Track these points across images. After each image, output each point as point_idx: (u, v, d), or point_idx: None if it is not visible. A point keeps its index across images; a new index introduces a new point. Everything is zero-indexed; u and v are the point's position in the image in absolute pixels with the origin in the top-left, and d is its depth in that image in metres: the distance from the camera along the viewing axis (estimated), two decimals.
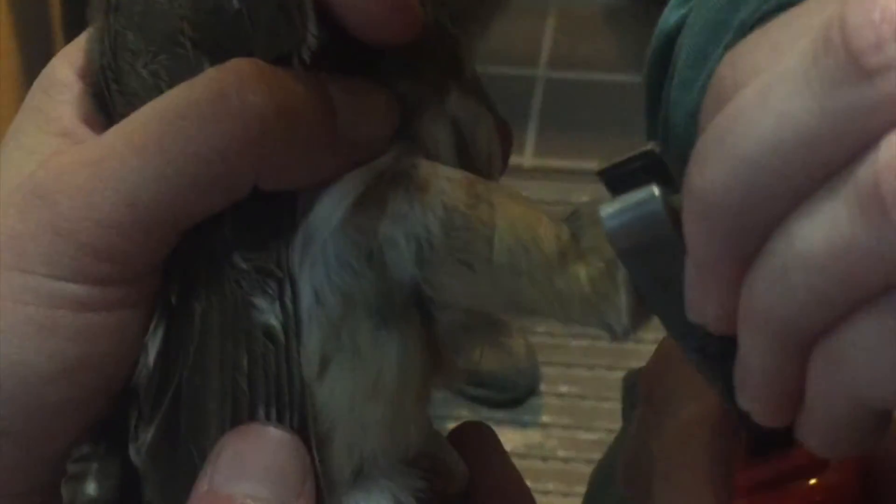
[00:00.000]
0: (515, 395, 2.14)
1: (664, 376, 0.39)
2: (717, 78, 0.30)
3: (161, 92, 0.35)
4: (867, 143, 0.27)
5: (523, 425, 2.07)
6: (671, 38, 0.68)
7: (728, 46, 0.59)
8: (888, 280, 0.27)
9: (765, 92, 0.28)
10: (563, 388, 2.15)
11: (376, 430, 0.37)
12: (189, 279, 0.36)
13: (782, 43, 0.29)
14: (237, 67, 0.35)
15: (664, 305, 0.34)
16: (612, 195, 0.34)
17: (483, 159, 0.39)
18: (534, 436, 2.05)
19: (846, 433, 0.30)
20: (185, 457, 0.36)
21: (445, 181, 0.36)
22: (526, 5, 3.03)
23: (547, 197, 2.34)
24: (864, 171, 0.26)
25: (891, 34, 0.26)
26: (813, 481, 0.34)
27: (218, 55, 0.35)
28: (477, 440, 0.43)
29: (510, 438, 2.06)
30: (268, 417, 0.36)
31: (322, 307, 0.36)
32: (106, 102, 0.37)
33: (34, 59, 1.96)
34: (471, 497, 0.41)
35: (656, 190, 0.33)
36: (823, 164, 0.27)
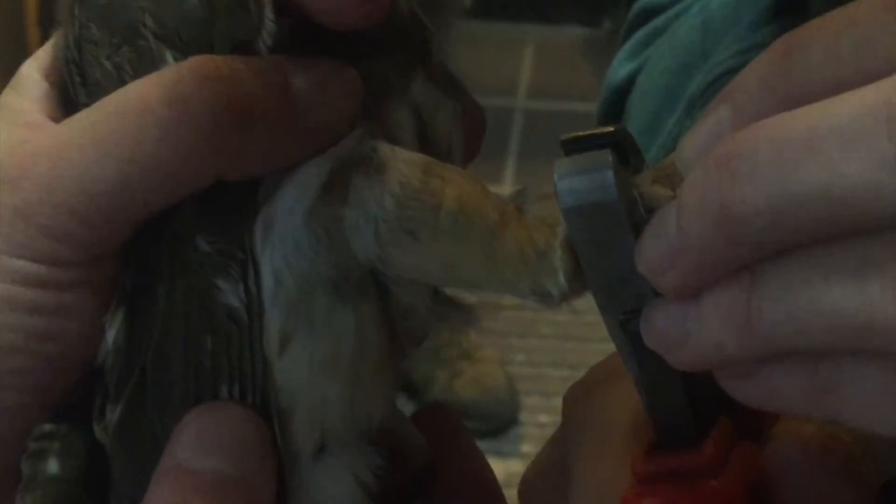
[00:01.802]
0: (495, 425, 2.14)
1: (590, 392, 0.40)
2: (773, 58, 0.31)
3: (124, 84, 0.36)
4: None
5: (503, 455, 2.07)
6: (620, 92, 0.68)
7: (681, 115, 0.60)
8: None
9: (820, 137, 0.29)
10: (543, 418, 2.15)
11: (336, 404, 0.37)
12: (152, 262, 0.37)
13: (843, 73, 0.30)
14: (193, 65, 0.35)
15: (598, 270, 0.35)
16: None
17: (443, 146, 0.40)
18: (514, 465, 2.05)
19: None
20: (150, 435, 0.37)
21: (403, 164, 0.37)
22: (504, 36, 3.05)
23: None
24: None
25: None
26: (713, 482, 0.35)
27: (179, 46, 0.36)
28: (439, 420, 0.44)
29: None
30: (230, 395, 0.37)
31: (282, 288, 0.37)
32: (70, 97, 0.38)
33: (10, 59, 1.96)
34: (433, 475, 0.42)
35: (610, 156, 0.34)
36: (857, 224, 0.29)
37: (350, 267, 0.37)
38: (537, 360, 2.28)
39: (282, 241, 0.36)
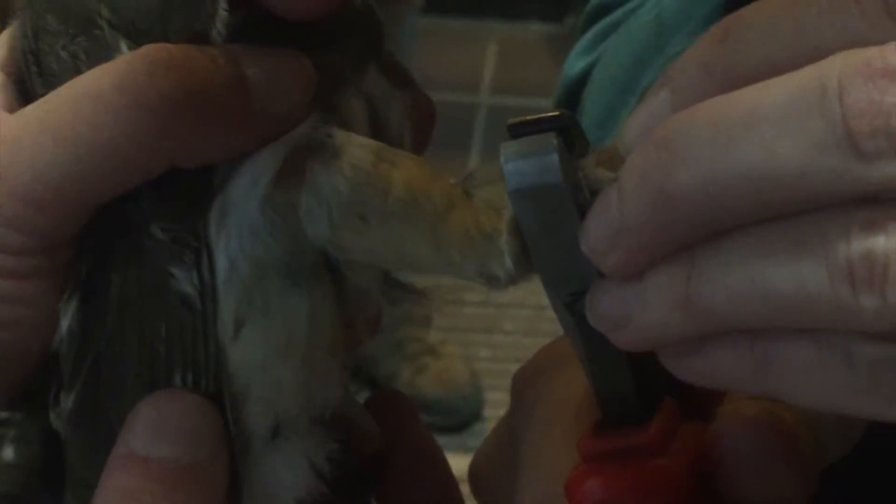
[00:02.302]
0: (459, 420, 2.15)
1: (537, 375, 0.40)
2: (717, 37, 0.31)
3: (80, 73, 0.36)
4: (841, 218, 0.29)
5: (468, 450, 2.07)
6: (576, 86, 0.69)
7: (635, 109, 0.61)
8: (833, 325, 0.30)
9: (756, 119, 0.29)
10: None
11: (290, 388, 0.38)
12: (106, 249, 0.37)
13: (779, 52, 0.30)
14: (146, 54, 0.36)
15: (544, 253, 0.35)
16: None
17: (395, 138, 0.40)
18: None
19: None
20: (105, 422, 0.37)
21: (358, 148, 0.37)
22: (468, 32, 3.05)
23: None
24: (840, 249, 0.29)
25: (885, 127, 0.28)
26: (658, 461, 0.35)
27: (134, 35, 0.37)
28: (392, 406, 0.44)
29: (455, 463, 2.05)
30: (184, 382, 0.37)
31: (236, 273, 0.37)
32: (27, 87, 0.38)
33: None
34: (386, 460, 0.43)
35: (555, 139, 0.34)
36: (793, 204, 0.29)
37: (304, 251, 0.37)
38: (501, 355, 2.28)
39: (237, 226, 0.37)
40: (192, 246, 0.37)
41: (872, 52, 0.28)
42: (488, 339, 2.35)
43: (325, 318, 0.38)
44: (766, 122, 0.29)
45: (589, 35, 0.70)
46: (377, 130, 0.40)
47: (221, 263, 0.37)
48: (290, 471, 0.38)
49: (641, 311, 0.32)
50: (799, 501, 0.36)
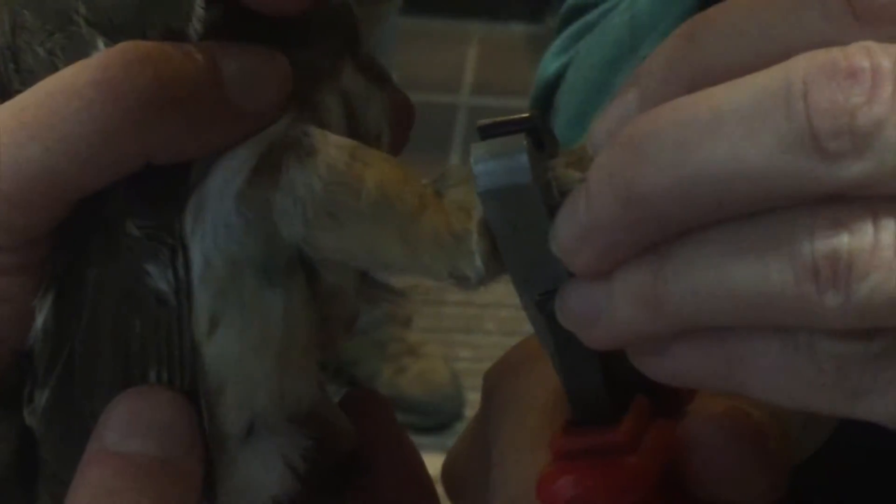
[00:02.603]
0: (440, 420, 2.15)
1: (508, 373, 0.40)
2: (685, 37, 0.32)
3: (57, 70, 0.36)
4: (806, 217, 0.29)
5: (448, 450, 2.08)
6: (550, 87, 0.69)
7: None
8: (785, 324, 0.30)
9: (722, 119, 0.29)
10: None
11: (265, 385, 0.38)
12: (82, 246, 0.37)
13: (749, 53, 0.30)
14: (123, 50, 0.36)
15: (515, 252, 0.35)
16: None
17: (372, 137, 0.41)
18: None
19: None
20: (78, 419, 0.37)
21: (333, 147, 0.37)
22: (449, 32, 3.05)
23: None
24: (805, 248, 0.29)
25: (849, 127, 0.28)
26: (629, 459, 0.36)
27: (111, 33, 0.37)
28: (367, 404, 0.44)
29: (435, 463, 2.06)
30: (159, 379, 0.37)
31: (211, 270, 0.37)
32: (4, 85, 0.38)
33: None
34: (360, 459, 0.43)
35: (525, 140, 0.34)
36: (758, 204, 0.30)
37: (279, 249, 0.37)
38: (482, 355, 2.28)
39: (213, 223, 0.37)
40: (168, 243, 0.37)
41: (836, 53, 0.29)
42: (469, 340, 2.35)
43: (300, 317, 0.38)
44: (731, 122, 0.29)
45: (564, 36, 0.70)
46: (354, 128, 0.40)
47: (196, 260, 0.37)
48: (265, 468, 0.38)
49: (610, 310, 0.32)
50: (769, 498, 0.36)
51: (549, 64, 0.70)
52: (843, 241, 0.28)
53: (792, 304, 0.29)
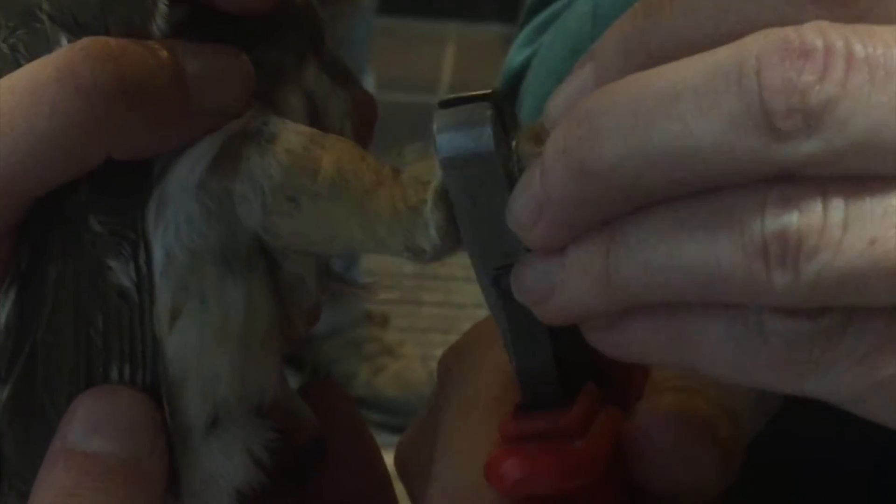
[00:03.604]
0: None
1: (461, 357, 0.41)
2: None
3: (19, 66, 0.36)
4: (756, 195, 0.29)
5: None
6: (516, 78, 0.69)
7: None
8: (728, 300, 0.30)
9: (675, 96, 0.30)
10: None
11: (227, 376, 0.38)
12: (43, 242, 0.37)
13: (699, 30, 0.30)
14: (85, 46, 0.36)
15: (472, 226, 0.35)
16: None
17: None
18: None
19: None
20: (40, 414, 0.37)
21: (293, 133, 0.37)
22: (426, 33, 3.05)
23: None
24: (755, 226, 0.29)
25: (800, 105, 0.28)
26: (578, 443, 0.36)
27: (74, 29, 0.37)
28: (326, 394, 0.44)
29: None
30: (121, 375, 0.37)
31: (172, 263, 0.37)
32: None
33: None
34: (321, 449, 0.43)
35: (489, 109, 0.34)
36: (710, 181, 0.30)
37: (239, 239, 0.38)
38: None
39: (174, 216, 0.37)
40: (130, 238, 0.37)
41: (790, 32, 0.29)
42: (446, 340, 2.33)
43: (261, 307, 0.38)
44: (684, 98, 0.29)
45: (529, 27, 0.70)
46: (316, 126, 0.40)
47: (158, 255, 0.37)
48: (229, 460, 0.38)
49: (563, 285, 0.32)
50: (721, 486, 0.36)
51: (515, 56, 0.70)
52: (793, 219, 0.28)
53: (741, 281, 0.29)
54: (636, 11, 0.32)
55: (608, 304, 0.32)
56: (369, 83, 2.46)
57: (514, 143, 0.35)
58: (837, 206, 0.28)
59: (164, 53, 0.36)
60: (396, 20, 2.90)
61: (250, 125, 0.37)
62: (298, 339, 0.41)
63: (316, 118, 0.40)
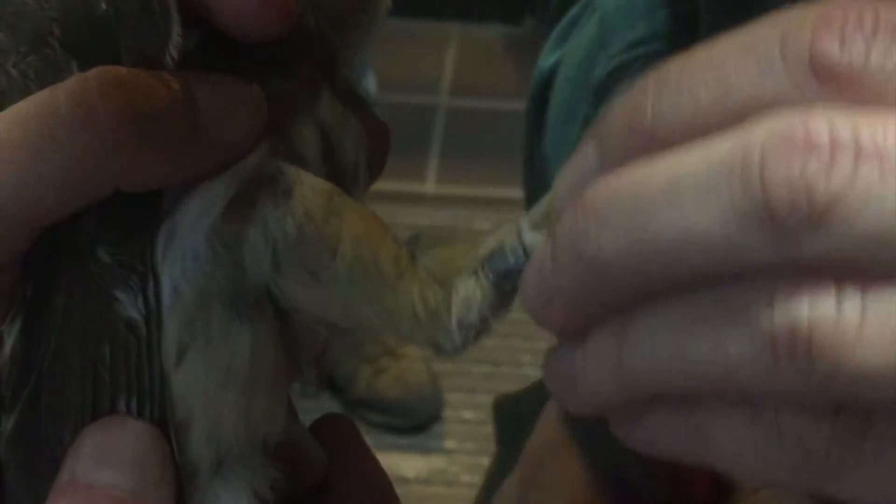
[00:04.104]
0: (419, 421, 2.14)
1: (546, 463, 0.40)
2: (634, 102, 0.31)
3: (30, 92, 0.36)
4: (764, 287, 0.28)
5: (427, 451, 2.07)
6: (546, 81, 0.69)
7: (588, 107, 0.61)
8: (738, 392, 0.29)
9: (677, 190, 0.29)
10: (467, 415, 2.15)
11: (231, 418, 0.38)
12: (51, 272, 0.37)
13: (702, 114, 0.30)
14: (98, 75, 0.35)
15: None
16: None
17: (349, 166, 0.41)
18: (438, 462, 2.05)
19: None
20: (45, 446, 0.37)
21: (310, 190, 0.37)
22: (427, 33, 3.05)
23: (449, 224, 2.34)
24: (764, 319, 0.28)
25: (806, 201, 0.27)
26: None
27: (86, 57, 0.36)
28: (336, 431, 0.44)
29: (414, 465, 2.06)
30: (128, 408, 0.37)
31: (180, 299, 0.37)
32: None
33: None
34: (329, 486, 0.43)
35: None
36: (715, 273, 0.29)
37: (248, 285, 0.37)
38: (461, 356, 2.28)
39: (182, 253, 0.37)
40: (139, 271, 0.37)
41: (795, 121, 0.28)
42: None
43: (268, 353, 0.38)
44: (687, 191, 0.29)
45: (557, 29, 0.71)
46: (330, 159, 0.40)
47: (166, 287, 0.37)
48: (234, 501, 0.38)
49: (584, 375, 0.32)
50: None
51: (546, 58, 0.70)
52: (804, 311, 0.28)
53: (753, 376, 0.28)
54: (639, 91, 0.31)
55: (625, 395, 0.31)
56: (370, 84, 2.45)
57: (520, 229, 0.36)
58: (853, 297, 0.27)
59: (176, 85, 0.36)
60: (398, 20, 2.90)
61: (265, 170, 0.37)
62: (305, 377, 0.41)
63: (329, 150, 0.40)
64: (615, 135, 0.31)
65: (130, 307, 0.37)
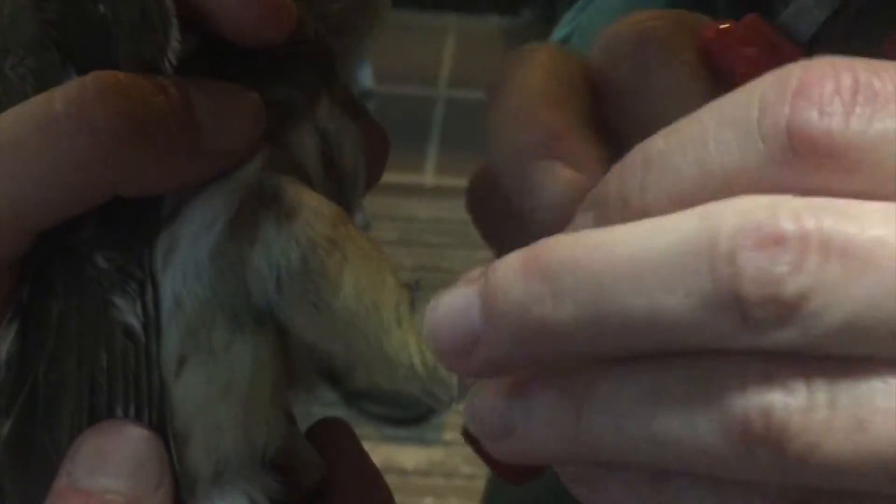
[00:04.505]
0: (418, 412, 2.14)
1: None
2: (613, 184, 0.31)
3: (26, 95, 0.36)
4: (735, 369, 0.28)
5: (426, 443, 2.08)
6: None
7: None
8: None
9: (641, 270, 0.28)
10: None
11: (230, 430, 0.38)
12: (47, 276, 0.37)
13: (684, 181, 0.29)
14: (95, 79, 0.35)
15: None
16: None
17: (349, 173, 0.40)
18: (436, 453, 2.05)
19: None
20: (41, 450, 0.37)
21: (313, 214, 0.37)
22: (426, 25, 3.05)
23: (447, 216, 2.34)
24: (735, 402, 0.28)
25: (774, 297, 0.27)
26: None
27: (83, 61, 0.36)
28: (333, 435, 0.44)
29: (413, 456, 2.07)
30: (126, 414, 0.36)
31: (181, 310, 0.37)
32: None
33: None
34: (327, 491, 0.43)
35: None
36: (681, 350, 0.29)
37: (249, 301, 0.37)
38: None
39: (183, 265, 0.37)
40: (137, 277, 0.36)
41: (763, 214, 0.27)
42: None
43: (268, 367, 0.38)
44: (651, 274, 0.28)
45: (572, 10, 0.70)
46: (329, 165, 0.40)
47: (167, 297, 0.37)
48: None
49: (524, 432, 0.30)
50: None
51: (557, 32, 0.70)
52: (777, 397, 0.27)
53: (723, 458, 0.28)
54: (631, 164, 0.30)
55: (579, 458, 0.30)
56: (368, 76, 2.45)
57: None
58: (820, 386, 0.27)
59: (174, 90, 0.36)
60: (395, 12, 2.89)
61: (265, 186, 0.37)
62: (304, 387, 0.41)
63: (329, 157, 0.40)
64: (609, 205, 0.31)
65: (129, 313, 0.36)
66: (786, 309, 0.27)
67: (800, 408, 0.27)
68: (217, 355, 0.37)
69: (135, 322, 0.36)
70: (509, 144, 0.36)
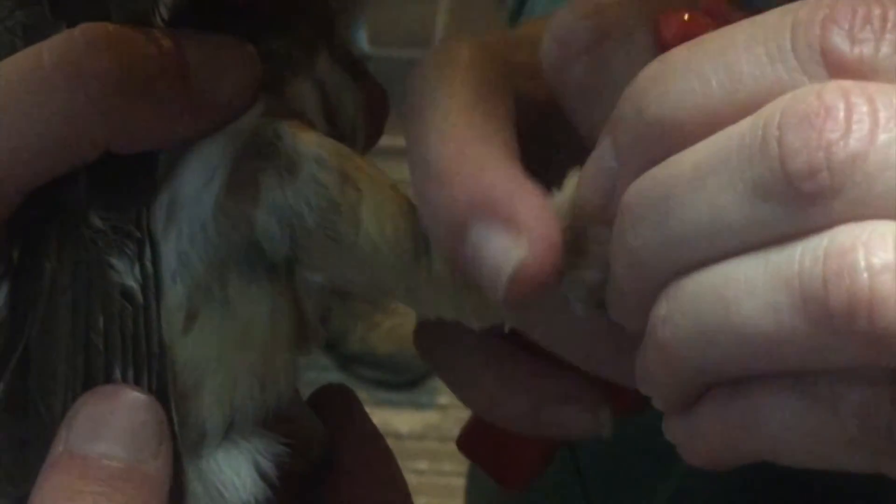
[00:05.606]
0: (412, 376, 2.15)
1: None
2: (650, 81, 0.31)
3: (15, 49, 0.35)
4: (804, 250, 0.28)
5: (421, 407, 2.08)
6: None
7: None
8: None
9: (700, 174, 0.29)
10: None
11: (246, 379, 0.37)
12: (38, 236, 0.36)
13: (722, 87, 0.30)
14: (85, 31, 0.34)
15: None
16: None
17: (348, 128, 0.40)
18: (431, 417, 2.06)
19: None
20: (34, 414, 0.36)
21: (315, 164, 0.36)
22: None
23: None
24: (812, 276, 0.27)
25: (825, 162, 0.27)
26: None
27: (73, 14, 0.35)
28: (337, 402, 0.43)
29: (408, 420, 2.07)
30: (124, 378, 0.36)
31: (187, 268, 0.36)
32: None
33: None
34: (331, 458, 0.42)
35: None
36: (743, 250, 0.29)
37: (263, 253, 0.37)
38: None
39: (188, 223, 0.36)
40: (135, 237, 0.36)
41: (809, 94, 0.28)
42: None
43: (285, 313, 0.37)
44: (710, 174, 0.29)
45: None
46: (331, 121, 0.39)
47: (168, 257, 0.36)
48: (236, 473, 0.37)
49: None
50: None
51: None
52: (860, 262, 0.27)
53: (806, 343, 0.27)
54: (647, 78, 0.31)
55: (678, 381, 0.31)
56: (363, 39, 2.44)
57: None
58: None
59: (166, 42, 0.35)
60: None
61: (261, 135, 0.36)
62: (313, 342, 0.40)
63: (329, 109, 0.39)
64: (626, 125, 0.31)
65: (126, 275, 0.36)
66: (838, 175, 0.27)
67: (890, 266, 0.26)
68: (232, 305, 0.36)
69: (133, 283, 0.36)
70: (442, 208, 0.34)
